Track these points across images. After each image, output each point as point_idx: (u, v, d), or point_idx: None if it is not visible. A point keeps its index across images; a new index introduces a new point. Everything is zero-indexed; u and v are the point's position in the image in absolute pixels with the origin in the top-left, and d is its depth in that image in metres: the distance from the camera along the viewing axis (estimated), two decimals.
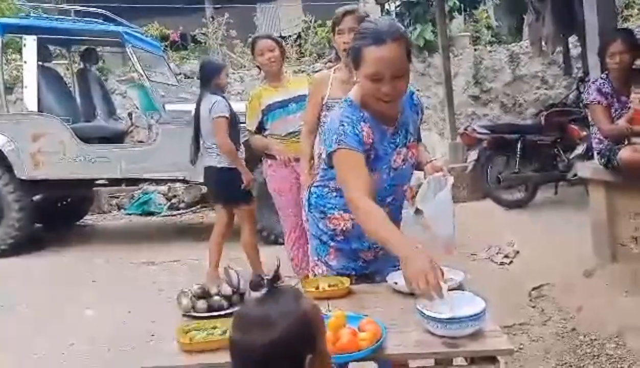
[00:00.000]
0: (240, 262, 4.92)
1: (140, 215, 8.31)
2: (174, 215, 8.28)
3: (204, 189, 8.23)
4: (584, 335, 3.41)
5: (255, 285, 1.18)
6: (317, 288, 2.14)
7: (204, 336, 1.74)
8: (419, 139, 2.34)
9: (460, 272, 2.13)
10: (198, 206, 8.48)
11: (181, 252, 6.05)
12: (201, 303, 2.01)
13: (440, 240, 2.09)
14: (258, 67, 4.33)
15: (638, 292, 3.65)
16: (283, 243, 5.70)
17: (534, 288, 4.20)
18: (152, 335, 3.84)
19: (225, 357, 1.66)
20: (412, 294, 1.99)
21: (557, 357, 3.24)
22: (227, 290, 2.06)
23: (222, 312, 1.97)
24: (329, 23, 3.47)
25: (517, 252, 5.04)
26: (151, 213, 8.34)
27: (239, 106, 7.21)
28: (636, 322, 3.33)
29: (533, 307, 3.96)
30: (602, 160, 3.90)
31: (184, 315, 2.01)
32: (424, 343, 1.60)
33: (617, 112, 3.80)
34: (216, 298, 2.03)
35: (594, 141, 4.04)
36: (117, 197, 8.72)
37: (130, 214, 8.40)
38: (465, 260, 5.00)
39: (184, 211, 8.40)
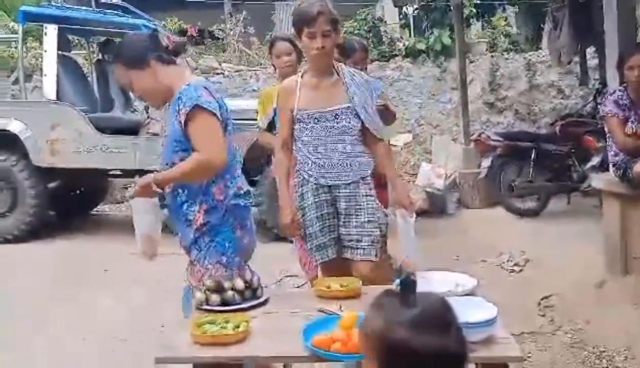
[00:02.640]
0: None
1: None
2: None
3: None
4: (593, 347, 3.39)
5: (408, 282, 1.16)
6: (329, 288, 2.16)
7: (217, 329, 1.77)
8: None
9: (472, 278, 2.14)
10: None
11: None
12: (215, 297, 2.03)
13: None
14: (274, 66, 4.35)
15: None
16: (292, 242, 5.77)
17: (543, 298, 4.18)
18: (162, 326, 3.88)
19: (237, 351, 1.69)
20: None
21: (564, 367, 3.24)
22: (240, 284, 2.09)
23: (235, 307, 2.00)
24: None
25: (528, 260, 5.02)
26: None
27: (251, 103, 7.28)
28: None
29: (542, 316, 3.94)
30: (618, 173, 3.88)
31: (197, 308, 2.03)
32: None
33: (634, 125, 3.79)
34: (230, 292, 2.05)
35: (610, 153, 4.02)
36: (127, 188, 8.77)
37: None
38: (475, 266, 4.99)
39: None
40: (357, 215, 2.71)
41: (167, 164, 2.34)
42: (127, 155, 6.24)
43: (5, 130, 6.22)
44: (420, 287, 2.05)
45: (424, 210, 6.45)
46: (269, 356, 1.64)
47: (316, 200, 2.73)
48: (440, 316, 1.11)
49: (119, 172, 6.87)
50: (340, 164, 2.70)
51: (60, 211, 7.23)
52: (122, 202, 8.64)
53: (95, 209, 7.96)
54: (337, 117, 2.68)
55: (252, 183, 6.49)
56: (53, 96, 6.22)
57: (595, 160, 5.82)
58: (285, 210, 2.72)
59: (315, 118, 2.68)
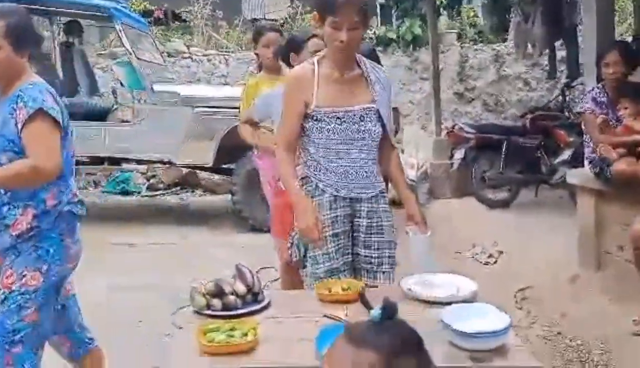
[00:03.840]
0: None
1: (118, 194, 8.16)
2: (153, 195, 8.16)
3: (185, 171, 8.14)
4: (570, 340, 3.48)
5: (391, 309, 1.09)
6: (330, 291, 2.12)
7: (224, 338, 1.72)
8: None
9: (471, 281, 2.15)
10: (178, 188, 8.37)
11: (161, 235, 5.98)
12: (216, 302, 1.97)
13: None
14: (257, 54, 4.25)
15: (622, 299, 3.72)
16: (268, 232, 5.71)
17: (519, 290, 4.27)
18: (140, 321, 3.80)
19: (249, 361, 1.65)
20: (426, 301, 2.01)
21: (544, 360, 3.31)
22: (241, 288, 2.04)
23: (238, 312, 1.95)
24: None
25: (501, 253, 5.11)
26: (129, 193, 8.19)
27: (225, 90, 7.15)
28: (621, 329, 3.42)
29: (519, 309, 4.03)
30: (595, 169, 3.96)
31: (197, 312, 1.98)
32: (451, 356, 1.60)
33: (612, 123, 3.87)
34: (231, 297, 2.00)
35: (586, 150, 4.10)
36: (95, 174, 8.53)
37: (107, 192, 8.23)
38: (449, 258, 5.06)
39: (163, 192, 8.28)
40: (379, 233, 2.39)
41: None
42: (95, 142, 6.06)
43: None
44: (423, 291, 2.05)
45: (395, 201, 6.48)
46: (285, 367, 1.61)
47: (333, 214, 2.32)
48: (415, 332, 1.08)
49: (85, 159, 6.65)
50: (363, 174, 2.35)
51: None
52: (87, 189, 8.42)
53: None
54: (363, 118, 2.32)
55: (228, 171, 6.42)
56: None
57: (566, 154, 5.94)
58: (305, 211, 2.26)
59: (338, 118, 2.29)
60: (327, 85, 2.31)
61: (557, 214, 5.69)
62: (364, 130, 2.32)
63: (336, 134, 2.30)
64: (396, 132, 5.37)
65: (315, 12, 2.33)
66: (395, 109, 4.13)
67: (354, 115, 2.31)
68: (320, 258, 2.31)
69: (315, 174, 2.35)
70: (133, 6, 9.67)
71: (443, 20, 10.90)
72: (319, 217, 2.27)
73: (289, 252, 2.44)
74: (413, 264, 2.33)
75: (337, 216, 2.33)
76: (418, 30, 9.20)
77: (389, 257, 2.42)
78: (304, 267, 2.37)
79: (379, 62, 3.74)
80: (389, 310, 1.06)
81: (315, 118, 2.30)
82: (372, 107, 2.34)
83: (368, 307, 1.59)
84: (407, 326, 1.06)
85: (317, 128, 2.30)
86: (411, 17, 9.41)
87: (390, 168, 2.50)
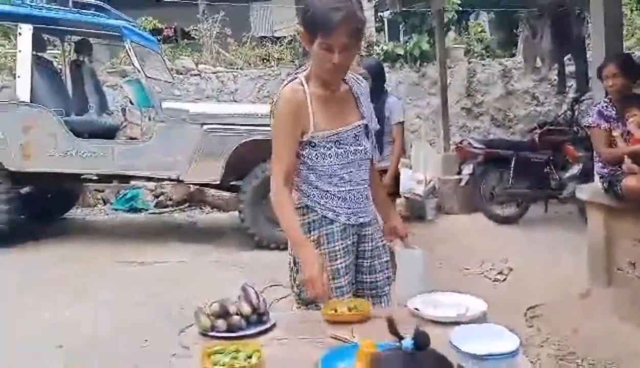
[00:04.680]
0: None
1: (127, 211, 8.18)
2: (162, 213, 8.17)
3: (193, 188, 8.16)
4: (582, 359, 3.42)
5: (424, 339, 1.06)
6: (336, 311, 2.10)
7: (229, 361, 1.70)
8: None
9: (481, 301, 2.11)
10: (186, 204, 8.39)
11: (169, 252, 5.98)
12: (221, 323, 1.95)
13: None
14: None
15: (634, 317, 3.67)
16: (275, 249, 5.70)
17: (529, 308, 4.22)
18: (146, 341, 3.78)
19: None
20: (433, 322, 1.98)
21: None
22: (246, 309, 2.02)
23: (242, 333, 1.93)
24: None
25: (511, 269, 5.06)
26: (137, 210, 8.22)
27: (234, 108, 7.17)
28: (634, 348, 3.36)
29: (530, 327, 3.97)
30: (604, 185, 3.92)
31: (202, 335, 1.96)
32: None
33: (623, 136, 3.83)
34: (236, 317, 1.97)
35: (597, 164, 4.06)
36: (103, 191, 8.58)
37: (116, 210, 8.27)
38: (458, 275, 5.02)
39: (171, 209, 8.29)
40: (380, 256, 2.26)
41: None
42: (104, 159, 6.09)
43: None
44: (430, 311, 2.02)
45: (403, 216, 6.45)
46: None
47: (344, 244, 2.15)
48: (447, 361, 1.05)
49: (94, 177, 6.69)
50: (366, 195, 2.20)
51: (30, 215, 7.02)
52: (95, 206, 8.46)
53: (66, 213, 7.75)
54: (357, 137, 2.15)
55: (235, 188, 6.42)
56: (27, 98, 6.02)
57: (576, 169, 5.91)
58: (310, 260, 2.01)
59: (337, 141, 2.11)
60: (321, 107, 2.10)
61: (566, 230, 5.64)
62: (360, 150, 2.16)
63: (338, 158, 2.12)
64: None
65: (302, 30, 2.07)
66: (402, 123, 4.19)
67: (349, 135, 2.14)
68: (334, 293, 2.13)
69: (323, 203, 2.15)
70: (143, 24, 9.77)
71: (450, 35, 10.95)
72: (326, 269, 2.05)
73: (296, 290, 2.26)
74: (401, 282, 2.24)
75: (347, 246, 2.17)
76: (425, 46, 9.22)
77: (388, 277, 2.30)
78: (312, 303, 2.18)
79: (383, 78, 3.69)
80: (421, 340, 1.04)
81: (312, 144, 2.11)
82: (363, 124, 2.19)
83: (399, 336, 1.52)
84: (439, 356, 1.05)
85: (316, 155, 2.12)
86: (419, 32, 9.44)
87: (373, 182, 2.33)
